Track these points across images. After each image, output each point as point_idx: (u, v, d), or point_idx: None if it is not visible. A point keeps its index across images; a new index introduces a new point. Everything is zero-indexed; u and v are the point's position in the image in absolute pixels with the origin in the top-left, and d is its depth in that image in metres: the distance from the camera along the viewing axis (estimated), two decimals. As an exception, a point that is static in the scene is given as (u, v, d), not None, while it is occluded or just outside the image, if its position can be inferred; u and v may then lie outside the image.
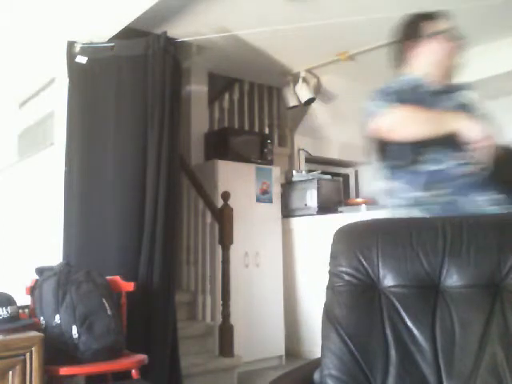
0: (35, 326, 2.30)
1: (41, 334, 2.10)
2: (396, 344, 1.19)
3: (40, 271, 2.59)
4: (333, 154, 5.40)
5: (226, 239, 3.64)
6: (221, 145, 4.21)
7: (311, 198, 4.33)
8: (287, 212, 4.48)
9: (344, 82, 4.71)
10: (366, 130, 1.76)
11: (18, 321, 2.22)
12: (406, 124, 1.66)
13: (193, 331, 3.69)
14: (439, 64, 1.80)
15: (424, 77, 1.80)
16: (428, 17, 1.83)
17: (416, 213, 1.66)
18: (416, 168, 1.70)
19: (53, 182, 3.30)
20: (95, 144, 3.11)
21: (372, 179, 1.97)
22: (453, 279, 1.23)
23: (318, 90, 4.69)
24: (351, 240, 1.34)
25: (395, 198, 1.75)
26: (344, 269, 1.30)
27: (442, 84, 1.82)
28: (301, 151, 5.14)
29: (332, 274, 1.33)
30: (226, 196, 3.70)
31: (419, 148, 1.68)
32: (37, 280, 2.55)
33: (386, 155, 1.78)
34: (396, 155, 1.74)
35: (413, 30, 1.83)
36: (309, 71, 4.50)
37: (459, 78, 1.89)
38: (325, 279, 1.35)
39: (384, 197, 1.84)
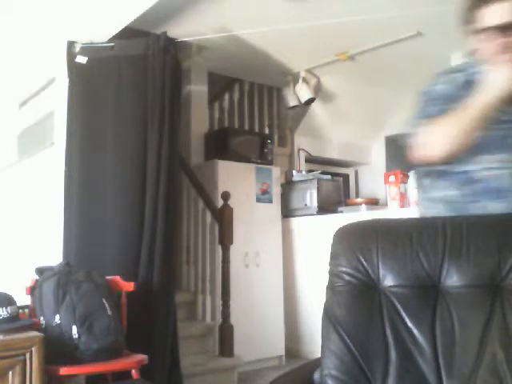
0: (35, 326, 2.30)
1: (41, 334, 2.11)
2: (396, 344, 1.19)
3: (40, 271, 2.59)
4: (333, 154, 5.40)
5: (226, 239, 3.64)
6: (221, 145, 4.21)
7: (311, 198, 4.33)
8: (287, 212, 4.48)
9: (344, 82, 4.71)
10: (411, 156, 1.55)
11: (17, 321, 2.22)
12: (438, 141, 1.46)
13: (193, 331, 3.69)
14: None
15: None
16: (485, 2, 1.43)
17: (442, 211, 1.56)
18: (450, 168, 1.55)
19: (53, 182, 3.30)
20: (95, 144, 3.11)
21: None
22: (453, 279, 1.23)
23: (318, 89, 4.69)
24: (351, 240, 1.34)
25: (427, 195, 1.63)
26: (344, 269, 1.30)
27: None
28: (301, 151, 5.14)
29: (332, 274, 1.33)
30: (226, 196, 3.70)
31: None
32: (37, 280, 2.55)
33: None
34: None
35: (467, 17, 1.50)
36: (309, 71, 4.50)
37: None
38: (325, 279, 1.35)
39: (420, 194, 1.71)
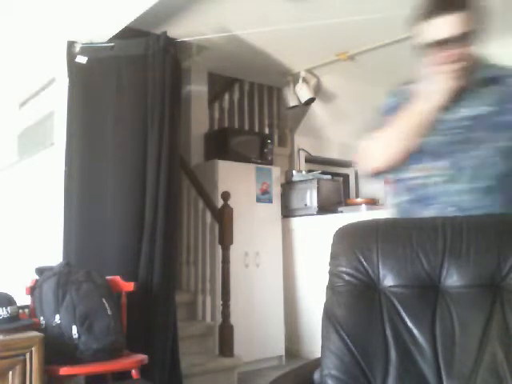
0: (35, 326, 2.30)
1: (41, 334, 2.11)
2: (396, 344, 1.19)
3: (40, 271, 2.59)
4: (333, 154, 5.40)
5: (226, 239, 3.64)
6: (221, 145, 4.22)
7: (311, 198, 4.33)
8: (287, 212, 4.48)
9: (344, 82, 4.71)
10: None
11: (17, 321, 2.22)
12: (376, 151, 1.51)
13: (193, 331, 3.69)
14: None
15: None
16: (425, 16, 1.47)
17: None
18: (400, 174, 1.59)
19: (53, 182, 3.30)
20: (95, 144, 3.11)
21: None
22: (453, 279, 1.23)
23: (318, 89, 4.69)
24: (351, 240, 1.34)
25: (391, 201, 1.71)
26: (344, 269, 1.30)
27: None
28: (301, 151, 5.14)
29: (332, 274, 1.33)
30: (225, 196, 3.70)
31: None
32: (37, 280, 2.55)
33: None
34: None
35: (412, 30, 1.52)
36: (309, 71, 4.50)
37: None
38: (325, 279, 1.35)
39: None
